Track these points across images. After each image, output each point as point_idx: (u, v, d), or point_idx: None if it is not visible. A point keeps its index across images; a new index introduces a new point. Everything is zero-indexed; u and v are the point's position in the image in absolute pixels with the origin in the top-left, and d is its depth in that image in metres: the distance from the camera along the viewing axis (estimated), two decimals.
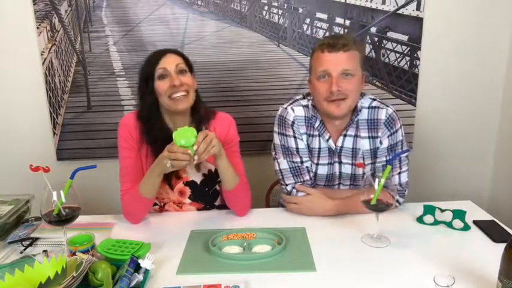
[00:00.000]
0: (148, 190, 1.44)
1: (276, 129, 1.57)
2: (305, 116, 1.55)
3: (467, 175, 2.44)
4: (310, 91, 1.53)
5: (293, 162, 1.55)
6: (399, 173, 1.53)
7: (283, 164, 1.55)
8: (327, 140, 1.55)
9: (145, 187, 1.44)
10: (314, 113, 1.54)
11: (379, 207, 1.27)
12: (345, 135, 1.54)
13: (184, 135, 1.30)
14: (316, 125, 1.54)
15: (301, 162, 1.55)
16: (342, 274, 1.16)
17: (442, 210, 1.40)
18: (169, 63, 1.44)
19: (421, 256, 1.23)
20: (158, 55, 1.46)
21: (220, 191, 1.62)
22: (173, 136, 1.31)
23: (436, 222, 1.41)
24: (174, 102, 1.44)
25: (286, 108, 1.56)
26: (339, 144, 1.55)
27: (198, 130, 1.36)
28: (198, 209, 1.61)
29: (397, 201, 1.52)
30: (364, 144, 1.55)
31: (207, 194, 1.60)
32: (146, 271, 1.10)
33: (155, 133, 1.48)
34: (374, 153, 1.56)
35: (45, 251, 1.29)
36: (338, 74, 1.40)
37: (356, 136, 1.54)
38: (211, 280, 1.10)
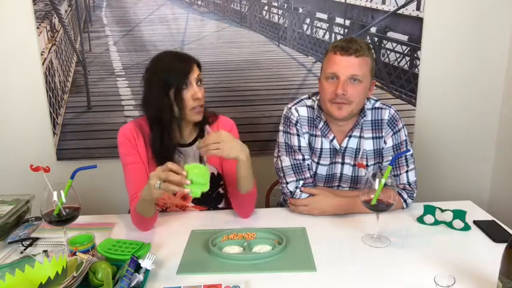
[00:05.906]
0: (144, 211, 1.37)
1: (280, 127, 1.59)
2: (308, 117, 1.56)
3: (467, 175, 2.44)
4: (318, 90, 1.53)
5: (295, 159, 1.55)
6: (407, 171, 1.53)
7: (286, 161, 1.55)
8: (331, 141, 1.55)
9: (140, 208, 1.37)
10: (319, 113, 1.55)
11: (379, 207, 1.27)
12: (350, 136, 1.55)
13: (198, 173, 1.17)
14: (320, 125, 1.55)
15: (303, 159, 1.55)
16: (342, 274, 1.16)
17: (442, 210, 1.41)
18: (192, 73, 1.41)
19: (421, 256, 1.23)
20: (185, 68, 1.40)
21: (223, 194, 1.61)
22: (186, 169, 1.18)
23: (437, 222, 1.41)
24: (194, 114, 1.43)
25: (290, 108, 1.57)
26: (344, 145, 1.56)
27: (202, 132, 1.34)
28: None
29: (405, 201, 1.52)
30: (368, 145, 1.55)
31: (211, 197, 1.59)
32: (146, 271, 1.10)
33: (164, 141, 1.44)
34: (378, 153, 1.57)
35: (45, 251, 1.29)
36: (346, 77, 1.41)
37: (360, 137, 1.55)
38: (212, 280, 1.10)
